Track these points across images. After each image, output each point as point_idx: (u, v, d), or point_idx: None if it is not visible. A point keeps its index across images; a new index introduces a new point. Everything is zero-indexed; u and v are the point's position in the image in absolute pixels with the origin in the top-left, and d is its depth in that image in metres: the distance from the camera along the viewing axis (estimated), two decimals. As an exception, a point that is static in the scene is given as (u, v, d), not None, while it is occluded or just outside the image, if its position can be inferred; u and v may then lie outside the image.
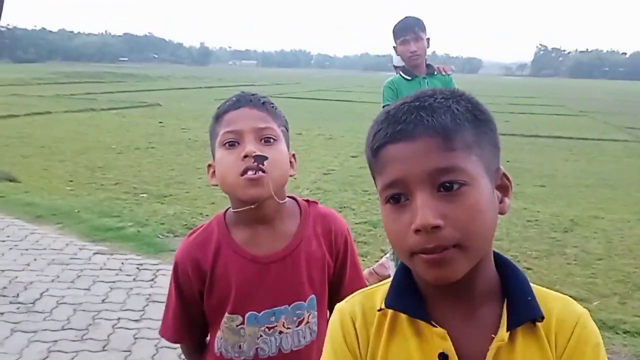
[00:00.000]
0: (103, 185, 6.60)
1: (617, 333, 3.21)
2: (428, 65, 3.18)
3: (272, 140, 1.16)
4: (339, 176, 7.43)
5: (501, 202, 0.73)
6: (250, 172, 1.11)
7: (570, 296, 2.90)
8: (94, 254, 4.33)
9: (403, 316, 0.75)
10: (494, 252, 0.76)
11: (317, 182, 7.03)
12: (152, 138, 10.38)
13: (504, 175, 0.75)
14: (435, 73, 3.18)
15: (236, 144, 1.14)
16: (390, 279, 0.80)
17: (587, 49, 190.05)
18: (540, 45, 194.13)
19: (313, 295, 1.23)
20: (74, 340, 3.00)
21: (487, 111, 0.73)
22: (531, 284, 0.75)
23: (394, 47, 3.17)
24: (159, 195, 6.19)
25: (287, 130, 1.27)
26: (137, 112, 15.34)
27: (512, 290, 0.73)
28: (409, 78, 3.12)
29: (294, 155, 1.27)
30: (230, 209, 1.23)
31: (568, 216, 5.72)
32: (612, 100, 30.76)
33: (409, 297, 0.75)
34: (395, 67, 3.29)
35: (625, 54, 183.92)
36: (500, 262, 0.76)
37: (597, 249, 4.72)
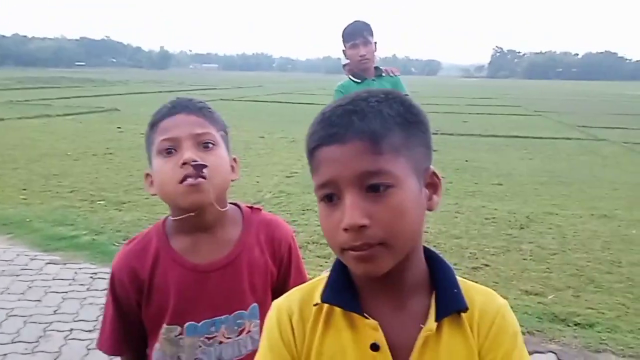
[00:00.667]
0: (58, 193, 6.39)
1: (568, 325, 3.31)
2: (376, 68, 3.24)
3: (210, 145, 1.14)
4: (302, 179, 7.42)
5: (430, 199, 0.78)
6: (189, 179, 1.09)
7: (526, 291, 2.99)
8: (46, 264, 4.19)
9: (338, 310, 0.79)
10: (424, 247, 0.81)
11: (280, 185, 7.01)
12: (110, 144, 10.13)
13: (434, 174, 0.79)
14: (384, 75, 3.25)
15: (173, 151, 1.12)
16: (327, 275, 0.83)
17: (541, 51, 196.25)
18: (497, 47, 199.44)
19: (255, 304, 1.21)
20: (23, 354, 2.90)
21: (419, 113, 0.77)
22: (457, 277, 0.80)
23: (343, 50, 3.22)
24: (116, 202, 6.04)
25: (227, 134, 1.24)
26: (94, 118, 14.95)
27: (440, 283, 0.79)
28: (358, 81, 3.18)
29: (235, 159, 1.25)
30: (170, 217, 1.20)
31: (524, 213, 5.88)
32: (566, 100, 31.84)
33: (344, 292, 0.79)
34: (344, 66, 3.34)
35: (578, 55, 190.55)
36: (430, 256, 0.81)
37: (552, 244, 4.86)
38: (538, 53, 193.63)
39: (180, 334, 1.17)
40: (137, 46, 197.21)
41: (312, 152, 0.75)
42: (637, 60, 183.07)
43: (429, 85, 55.01)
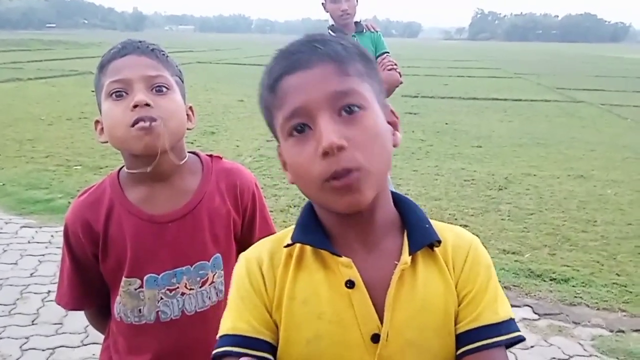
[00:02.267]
0: (33, 158, 6.26)
1: (544, 280, 3.40)
2: (356, 23, 3.18)
3: (164, 89, 1.08)
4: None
5: (393, 134, 0.76)
6: (142, 123, 1.02)
7: (504, 250, 3.04)
8: (22, 227, 4.14)
9: (309, 250, 0.77)
10: (392, 192, 0.80)
11: (260, 149, 6.96)
12: (85, 108, 9.88)
13: (392, 111, 0.79)
14: (364, 31, 3.19)
15: (124, 94, 1.05)
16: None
17: (521, 13, 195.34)
18: (478, 9, 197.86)
19: (218, 254, 1.18)
20: (1, 316, 2.90)
21: (370, 55, 0.78)
22: (426, 216, 0.80)
23: (322, 3, 3.14)
24: (93, 167, 5.95)
25: (182, 81, 1.18)
26: (67, 81, 14.53)
27: (410, 221, 0.78)
28: (339, 36, 3.13)
29: (191, 107, 1.19)
30: (125, 167, 1.15)
31: (503, 175, 5.95)
32: (545, 62, 31.94)
33: (314, 232, 0.77)
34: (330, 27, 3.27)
35: (558, 16, 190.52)
36: (398, 200, 0.81)
37: (529, 204, 4.95)
38: (518, 15, 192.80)
39: (141, 286, 1.14)
40: (110, 7, 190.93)
41: (273, 86, 0.72)
42: (616, 22, 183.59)
43: (410, 47, 54.50)
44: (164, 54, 1.13)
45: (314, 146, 0.68)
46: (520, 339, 0.74)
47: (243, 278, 0.79)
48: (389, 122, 0.76)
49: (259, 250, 0.82)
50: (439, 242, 0.76)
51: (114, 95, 1.05)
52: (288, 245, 0.78)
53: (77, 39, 48.76)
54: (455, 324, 0.75)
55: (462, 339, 0.75)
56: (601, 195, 5.28)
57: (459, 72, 21.16)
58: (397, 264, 0.74)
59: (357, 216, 0.72)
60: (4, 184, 5.15)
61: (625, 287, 3.33)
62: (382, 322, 0.73)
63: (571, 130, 9.02)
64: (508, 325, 0.74)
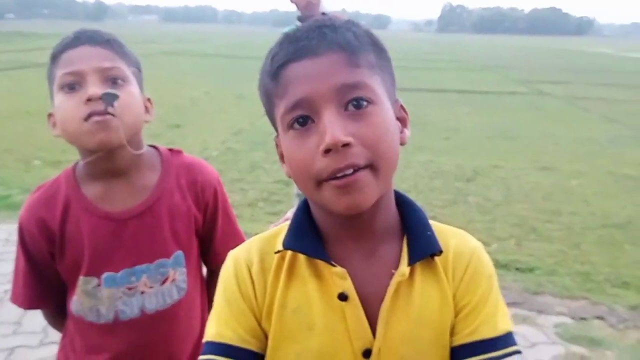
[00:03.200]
0: (-9, 155, 6.02)
1: (510, 271, 3.44)
2: (323, 14, 3.14)
3: (119, 81, 1.03)
4: (249, 136, 7.28)
5: (401, 132, 0.71)
6: (96, 117, 0.98)
7: (471, 242, 2.95)
8: (-22, 226, 3.97)
9: (302, 257, 0.71)
10: (395, 191, 0.74)
11: (227, 143, 6.86)
12: (45, 101, 9.45)
13: (402, 107, 0.73)
14: None
15: (77, 86, 1.00)
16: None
17: (489, 6, 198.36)
18: (447, 2, 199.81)
19: (179, 251, 1.14)
20: (-44, 318, 2.76)
21: (383, 43, 0.71)
22: (429, 220, 0.74)
23: None
24: (53, 161, 5.74)
25: (140, 72, 1.13)
26: (26, 74, 14.06)
27: (412, 226, 0.72)
28: None
29: (149, 99, 1.14)
30: (80, 161, 1.10)
31: (471, 167, 6.00)
32: (512, 55, 32.49)
33: (308, 237, 0.71)
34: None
35: (524, 10, 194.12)
36: (400, 200, 0.75)
37: (497, 196, 5.00)
38: (486, 8, 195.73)
39: (98, 285, 1.09)
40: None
41: (276, 73, 0.66)
42: (581, 16, 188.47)
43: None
44: (120, 44, 1.08)
45: (316, 141, 0.62)
46: (517, 353, 0.70)
47: (230, 280, 0.73)
48: (397, 118, 0.70)
49: (248, 250, 0.76)
50: (440, 252, 0.71)
51: (66, 87, 1.01)
52: (279, 251, 0.73)
53: (37, 29, 47.29)
54: (452, 335, 0.71)
55: (457, 352, 0.71)
56: (566, 186, 5.38)
57: (428, 65, 21.34)
58: (394, 273, 0.69)
59: (357, 218, 0.67)
60: (-42, 181, 4.94)
61: (588, 275, 3.39)
62: (375, 336, 0.69)
63: (537, 123, 9.18)
64: (506, 339, 0.70)
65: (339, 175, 0.61)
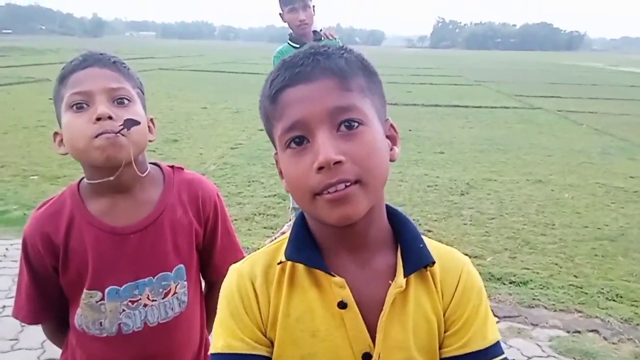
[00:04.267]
0: (-13, 170, 6.02)
1: (504, 284, 3.48)
2: (315, 32, 3.21)
3: (126, 101, 1.08)
4: (246, 150, 7.32)
5: (391, 150, 0.77)
6: (106, 135, 1.02)
7: (466, 254, 3.07)
8: (-25, 241, 3.97)
9: (301, 268, 0.76)
10: (386, 205, 0.80)
11: (224, 157, 6.89)
12: (41, 116, 9.56)
13: (392, 126, 0.79)
14: (323, 39, 3.22)
15: (85, 106, 1.04)
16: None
17: (481, 22, 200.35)
18: (439, 17, 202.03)
19: (181, 265, 1.18)
20: (-47, 333, 2.76)
21: (373, 67, 0.78)
22: (420, 235, 0.79)
23: (280, 14, 3.16)
24: (51, 176, 5.76)
25: (143, 94, 1.18)
26: (23, 88, 14.08)
27: (405, 238, 0.77)
28: (297, 46, 3.14)
29: (152, 119, 1.19)
30: (85, 178, 1.14)
31: (464, 180, 6.06)
32: (504, 69, 32.79)
33: (307, 249, 0.76)
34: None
35: (515, 25, 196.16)
36: (392, 214, 0.80)
37: (490, 209, 5.06)
38: (478, 24, 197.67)
39: (102, 299, 1.12)
40: (68, 13, 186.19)
41: (274, 97, 0.72)
42: (571, 31, 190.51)
43: (374, 55, 55.09)
44: (125, 66, 1.13)
45: (311, 159, 0.68)
46: None
47: (233, 294, 0.78)
48: (388, 136, 0.77)
49: (252, 264, 0.80)
50: (433, 263, 0.76)
51: (74, 107, 1.04)
52: (281, 262, 0.77)
53: (34, 44, 47.37)
54: (442, 347, 0.76)
55: None
56: (559, 199, 5.44)
57: (422, 80, 21.52)
58: (390, 284, 0.74)
59: (350, 229, 0.72)
60: (-45, 196, 4.94)
61: (581, 288, 3.43)
62: (374, 342, 0.73)
63: (529, 136, 9.27)
64: (495, 349, 0.76)
65: (331, 189, 0.67)
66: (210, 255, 1.25)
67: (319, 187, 0.68)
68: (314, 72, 0.70)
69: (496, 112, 12.35)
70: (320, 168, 0.67)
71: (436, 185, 5.85)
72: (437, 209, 5.02)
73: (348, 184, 0.67)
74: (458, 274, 0.78)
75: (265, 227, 4.42)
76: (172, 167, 1.23)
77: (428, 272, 0.76)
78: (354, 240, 0.75)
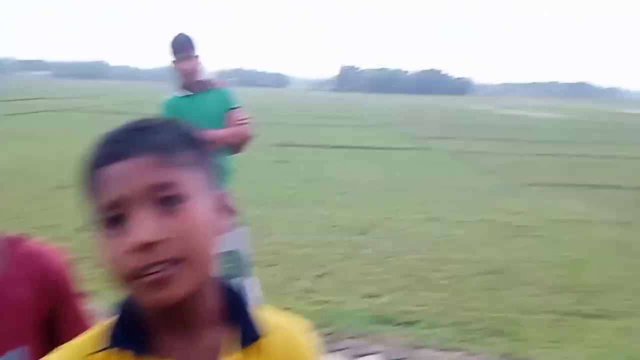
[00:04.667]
0: None
1: (398, 324, 3.56)
2: (203, 82, 3.19)
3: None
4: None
5: (221, 222, 0.74)
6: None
7: (366, 294, 3.14)
8: None
9: (129, 354, 0.71)
10: (219, 278, 0.77)
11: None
12: None
13: (224, 197, 0.76)
14: (212, 88, 3.19)
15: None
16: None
17: (381, 67, 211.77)
18: (342, 63, 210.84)
19: (23, 347, 1.08)
20: None
21: (201, 137, 0.75)
22: (254, 307, 0.78)
23: (173, 61, 3.12)
24: None
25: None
26: None
27: (236, 313, 0.75)
28: (185, 95, 3.10)
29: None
30: None
31: (365, 220, 6.25)
32: (402, 112, 34.75)
33: (132, 332, 0.71)
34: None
35: (407, 72, 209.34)
36: (225, 288, 0.77)
37: (389, 247, 5.24)
38: (377, 69, 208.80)
39: None
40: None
41: (90, 175, 0.68)
42: (459, 77, 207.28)
43: (279, 97, 56.15)
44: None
45: (125, 241, 0.64)
46: None
47: None
48: (219, 208, 0.73)
49: (60, 357, 0.73)
50: (265, 336, 0.74)
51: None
52: (101, 350, 0.71)
53: None
54: None
55: None
56: (451, 235, 5.76)
57: (326, 122, 22.20)
58: None
59: (176, 309, 0.68)
60: None
61: (468, 324, 3.58)
62: None
63: (425, 175, 9.82)
64: None
65: (148, 272, 0.63)
66: (58, 333, 1.13)
67: (134, 270, 0.63)
68: (133, 149, 0.66)
69: (395, 153, 12.98)
70: (134, 251, 0.63)
71: (338, 225, 5.98)
72: (339, 249, 5.11)
73: (166, 265, 0.64)
74: (292, 344, 0.77)
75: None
76: (10, 238, 1.10)
77: (260, 346, 0.74)
78: (182, 319, 0.71)
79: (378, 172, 10.08)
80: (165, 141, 0.68)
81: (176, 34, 3.08)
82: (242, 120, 3.06)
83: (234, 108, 3.12)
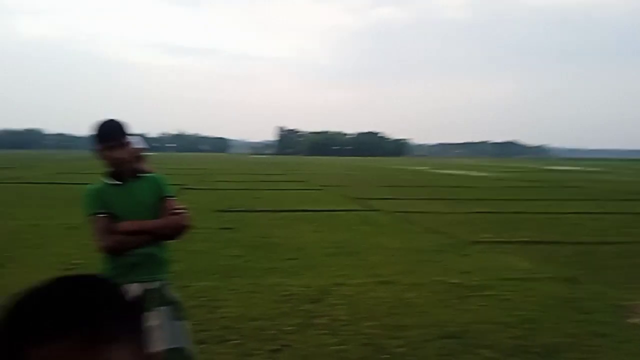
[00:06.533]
0: None
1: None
2: (134, 169, 2.99)
3: None
4: (84, 270, 6.63)
5: None
6: None
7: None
8: None
9: None
10: None
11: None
12: None
13: (152, 356, 0.74)
14: (143, 175, 3.00)
15: None
16: None
17: (320, 130, 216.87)
18: (281, 127, 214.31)
19: None
20: None
21: (125, 295, 0.71)
22: None
23: (98, 151, 2.83)
24: None
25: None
26: None
27: None
28: (115, 183, 2.87)
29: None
30: None
31: (317, 286, 6.11)
32: (343, 174, 35.30)
33: None
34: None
35: (346, 135, 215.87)
36: None
37: (344, 315, 5.10)
38: (317, 132, 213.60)
39: None
40: None
41: (14, 353, 0.61)
42: (397, 139, 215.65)
43: (222, 161, 55.89)
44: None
45: None
46: None
47: None
48: None
49: None
50: None
51: None
52: None
53: None
54: None
55: None
56: (405, 299, 5.71)
57: (269, 185, 22.17)
58: None
59: None
60: None
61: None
62: None
63: (372, 237, 9.84)
64: None
65: None
66: None
67: None
68: (65, 326, 0.62)
69: (341, 215, 13.01)
70: None
71: (290, 294, 5.80)
72: (292, 319, 4.92)
73: None
74: None
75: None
76: None
77: None
78: None
79: (326, 235, 10.02)
80: (96, 315, 0.64)
81: (103, 119, 2.83)
82: (176, 209, 2.89)
83: (168, 196, 2.92)
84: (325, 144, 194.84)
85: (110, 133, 2.80)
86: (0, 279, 6.15)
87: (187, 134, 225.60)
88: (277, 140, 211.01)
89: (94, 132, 2.80)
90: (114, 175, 2.86)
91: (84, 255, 7.59)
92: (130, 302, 0.71)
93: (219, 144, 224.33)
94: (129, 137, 2.87)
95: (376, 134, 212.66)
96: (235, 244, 8.76)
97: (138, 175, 2.93)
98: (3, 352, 0.62)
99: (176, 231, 2.84)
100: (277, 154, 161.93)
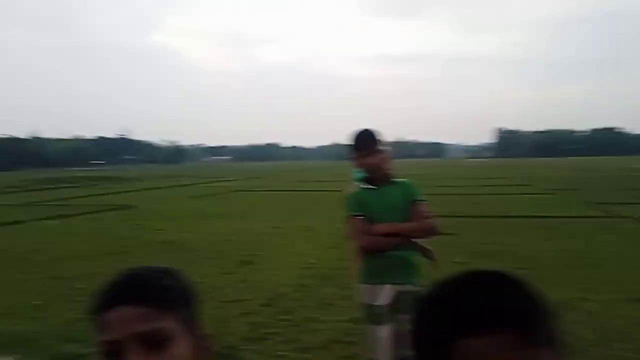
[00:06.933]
0: (73, 302, 6.12)
1: None
2: (387, 174, 3.13)
3: (161, 344, 0.87)
4: (319, 270, 7.26)
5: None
6: None
7: None
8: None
9: None
10: None
11: (300, 279, 6.83)
12: (125, 242, 10.11)
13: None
14: (395, 180, 3.13)
15: (117, 355, 0.86)
16: None
17: (543, 130, 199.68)
18: (500, 128, 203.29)
19: None
20: None
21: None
22: None
23: (354, 158, 3.07)
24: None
25: (195, 309, 0.96)
26: (110, 215, 15.09)
27: None
28: (370, 188, 3.07)
29: (202, 336, 0.95)
30: None
31: (556, 301, 5.61)
32: (576, 177, 31.78)
33: None
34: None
35: (574, 132, 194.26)
36: None
37: (587, 333, 4.60)
38: (540, 132, 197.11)
39: None
40: (151, 142, 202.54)
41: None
42: (638, 135, 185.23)
43: (439, 167, 55.55)
44: (167, 291, 0.91)
45: None
46: None
47: None
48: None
49: None
50: None
51: (105, 356, 0.88)
52: None
53: (119, 174, 51.49)
54: None
55: None
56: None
57: (490, 190, 21.17)
58: None
59: None
60: (40, 338, 4.78)
61: None
62: None
63: (617, 247, 8.66)
64: None
65: None
66: None
67: None
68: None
69: (576, 222, 11.76)
70: None
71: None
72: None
73: None
74: None
75: (343, 357, 4.20)
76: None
77: None
78: None
79: (558, 243, 9.17)
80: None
81: (359, 129, 3.07)
82: (426, 213, 2.99)
83: (419, 201, 3.05)
84: (551, 144, 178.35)
85: (364, 142, 3.05)
86: (253, 275, 7.10)
87: (404, 140, 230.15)
88: (495, 143, 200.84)
89: (351, 141, 3.09)
90: (369, 180, 3.11)
91: (319, 255, 8.32)
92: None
93: (435, 149, 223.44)
94: (381, 145, 3.08)
95: (613, 129, 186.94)
96: (457, 250, 8.58)
97: (390, 180, 3.12)
98: (427, 343, 0.63)
99: (426, 234, 2.95)
100: (496, 157, 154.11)
